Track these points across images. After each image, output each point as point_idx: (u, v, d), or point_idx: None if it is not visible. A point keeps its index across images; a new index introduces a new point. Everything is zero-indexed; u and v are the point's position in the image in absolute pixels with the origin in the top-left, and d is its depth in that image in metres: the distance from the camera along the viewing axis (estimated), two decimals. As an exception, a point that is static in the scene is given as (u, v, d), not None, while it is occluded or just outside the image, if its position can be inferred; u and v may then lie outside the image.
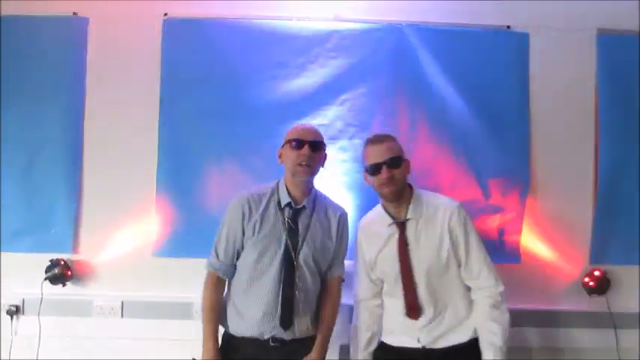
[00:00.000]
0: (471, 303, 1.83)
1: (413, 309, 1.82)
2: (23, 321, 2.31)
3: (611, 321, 2.35)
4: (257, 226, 1.83)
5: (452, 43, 2.42)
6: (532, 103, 2.44)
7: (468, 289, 1.85)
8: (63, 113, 2.37)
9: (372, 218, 1.96)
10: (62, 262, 2.31)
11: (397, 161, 1.81)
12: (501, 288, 1.80)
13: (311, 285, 1.86)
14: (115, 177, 2.38)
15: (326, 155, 1.95)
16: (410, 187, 1.90)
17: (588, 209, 2.42)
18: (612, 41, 2.43)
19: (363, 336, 1.91)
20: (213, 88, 2.37)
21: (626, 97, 2.42)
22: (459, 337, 1.81)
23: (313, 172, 1.87)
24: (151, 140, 2.37)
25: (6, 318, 2.30)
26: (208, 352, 1.80)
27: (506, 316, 1.78)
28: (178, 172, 2.35)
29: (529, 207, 2.40)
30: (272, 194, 1.89)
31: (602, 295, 2.37)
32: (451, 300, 1.83)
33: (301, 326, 1.83)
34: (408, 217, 1.84)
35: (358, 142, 2.35)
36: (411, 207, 1.85)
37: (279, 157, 1.91)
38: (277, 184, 1.91)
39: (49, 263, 2.31)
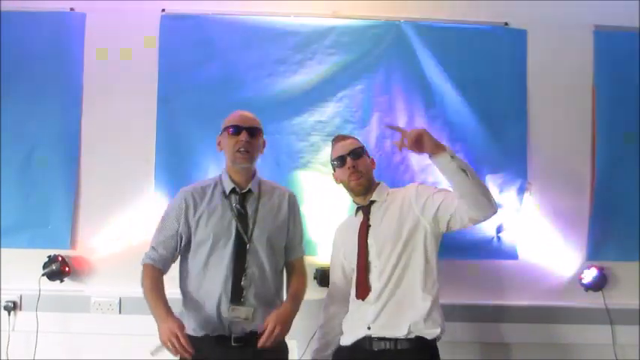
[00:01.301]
0: (428, 302, 1.76)
1: (361, 286, 1.82)
2: (21, 317, 2.31)
3: (608, 317, 2.36)
4: (205, 218, 1.80)
5: (450, 39, 2.42)
6: (530, 100, 2.44)
7: (430, 286, 1.79)
8: (60, 109, 2.36)
9: (347, 219, 2.04)
10: (60, 258, 2.31)
11: (359, 152, 1.92)
12: None
13: (260, 273, 1.80)
14: (113, 173, 2.37)
15: (265, 142, 1.92)
16: (376, 182, 1.97)
17: (585, 206, 2.43)
18: (610, 38, 2.44)
19: (321, 341, 1.97)
20: (211, 85, 2.37)
21: (623, 94, 2.43)
22: (402, 329, 1.75)
23: (252, 158, 1.86)
24: (148, 136, 2.37)
25: (3, 314, 2.29)
26: (165, 319, 1.67)
27: None
28: (176, 168, 2.35)
29: (526, 204, 2.41)
30: (215, 185, 1.87)
31: (598, 291, 2.38)
32: (409, 290, 1.77)
33: (240, 313, 1.75)
34: (372, 198, 1.90)
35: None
36: (375, 192, 1.91)
37: (218, 144, 1.90)
38: (220, 175, 1.90)
39: (47, 259, 2.31)
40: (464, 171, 1.60)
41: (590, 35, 2.46)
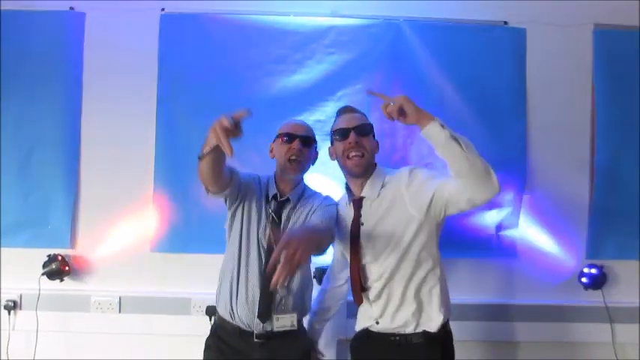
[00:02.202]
0: (429, 295, 1.71)
1: (356, 294, 1.78)
2: (21, 316, 2.31)
3: (608, 316, 2.37)
4: (255, 215, 1.82)
5: (449, 39, 2.42)
6: (529, 99, 2.44)
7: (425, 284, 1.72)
8: (60, 108, 2.37)
9: (342, 197, 1.93)
10: (60, 258, 2.31)
11: (367, 129, 1.77)
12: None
13: (294, 282, 1.81)
14: (113, 172, 2.38)
15: (317, 153, 1.94)
16: (375, 165, 1.83)
17: (585, 204, 2.44)
18: (609, 36, 2.44)
19: (322, 305, 1.97)
20: (210, 84, 2.37)
21: (622, 92, 2.43)
22: (408, 325, 1.70)
23: (302, 168, 1.87)
24: (148, 135, 2.37)
25: (3, 313, 2.30)
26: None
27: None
28: (176, 168, 2.35)
29: (526, 202, 2.41)
30: (265, 186, 1.89)
31: (598, 289, 2.39)
32: (410, 287, 1.71)
33: (284, 322, 1.78)
34: (363, 194, 1.77)
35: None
36: (367, 185, 1.77)
37: (271, 151, 1.92)
38: (268, 178, 1.92)
39: (47, 258, 2.31)
40: (457, 141, 1.47)
41: (589, 34, 2.46)
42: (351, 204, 1.81)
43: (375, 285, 1.75)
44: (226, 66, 2.38)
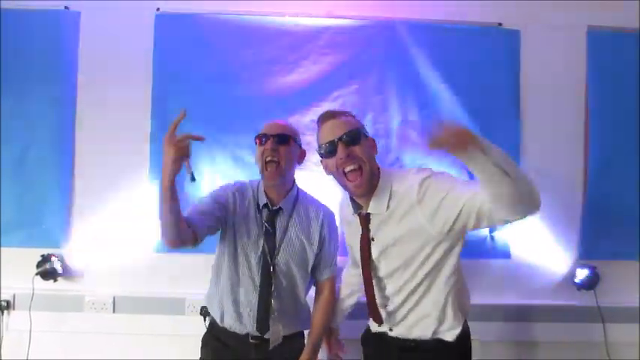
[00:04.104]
0: (444, 305, 1.61)
1: (374, 315, 1.68)
2: (14, 316, 2.31)
3: (600, 316, 2.38)
4: (237, 225, 1.77)
5: (444, 40, 2.43)
6: (523, 100, 2.45)
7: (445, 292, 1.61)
8: (55, 107, 2.35)
9: (343, 201, 1.78)
10: (53, 257, 2.31)
11: (355, 134, 1.51)
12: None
13: (287, 292, 1.80)
14: (107, 172, 2.37)
15: (302, 152, 1.84)
16: (378, 172, 1.60)
17: (578, 205, 2.45)
18: (602, 38, 2.46)
19: (343, 291, 1.91)
20: (205, 84, 2.37)
21: (615, 94, 2.45)
22: (423, 333, 1.63)
23: (282, 171, 1.73)
24: (143, 135, 2.36)
25: (-3, 313, 2.29)
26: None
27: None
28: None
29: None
30: (253, 194, 1.82)
31: (590, 290, 2.40)
32: (426, 299, 1.61)
33: (275, 330, 1.76)
34: (370, 211, 1.59)
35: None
36: (373, 201, 1.57)
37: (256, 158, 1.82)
38: (258, 184, 1.84)
39: (41, 258, 2.31)
40: (501, 168, 1.21)
41: (583, 36, 2.47)
42: (357, 217, 1.64)
43: (393, 299, 1.65)
44: (221, 66, 2.38)
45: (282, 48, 2.40)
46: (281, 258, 1.77)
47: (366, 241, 1.63)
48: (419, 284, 1.60)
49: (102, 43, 2.39)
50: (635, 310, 2.41)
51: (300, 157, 1.84)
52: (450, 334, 1.63)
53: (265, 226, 1.77)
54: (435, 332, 1.63)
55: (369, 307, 1.69)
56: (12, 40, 2.35)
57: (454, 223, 1.44)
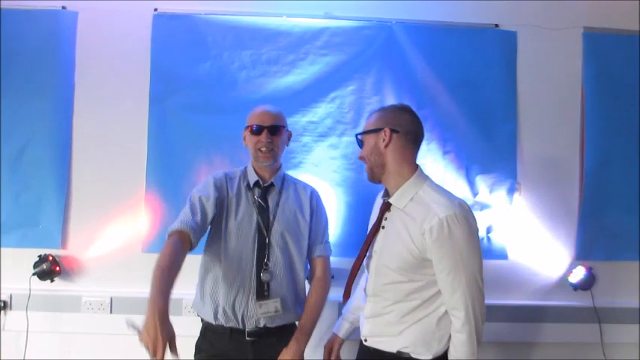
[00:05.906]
0: (420, 323, 1.62)
1: (345, 291, 1.77)
2: (11, 316, 2.30)
3: (596, 316, 2.39)
4: (233, 207, 1.82)
5: (441, 41, 2.43)
6: (520, 101, 2.46)
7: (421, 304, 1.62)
8: (52, 108, 2.35)
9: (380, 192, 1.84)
10: (50, 258, 2.30)
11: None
12: (471, 324, 1.64)
13: (284, 267, 1.81)
14: (104, 172, 2.37)
15: (289, 134, 1.96)
16: (415, 168, 1.66)
17: (574, 206, 2.46)
18: (599, 39, 2.47)
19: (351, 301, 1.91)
20: (203, 85, 2.37)
21: (612, 95, 2.45)
22: (389, 345, 1.64)
23: (275, 155, 1.86)
24: (140, 136, 2.37)
25: (-6, 313, 2.29)
26: (159, 316, 1.49)
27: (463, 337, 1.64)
28: (168, 168, 2.35)
29: (516, 204, 2.43)
30: (241, 177, 1.90)
31: (587, 290, 2.41)
32: (400, 310, 1.62)
33: (267, 307, 1.77)
34: (391, 201, 1.66)
35: (348, 139, 2.38)
36: (397, 193, 1.64)
37: (244, 139, 1.92)
38: (245, 168, 1.93)
39: (37, 259, 2.30)
40: None
41: (579, 37, 2.48)
42: (382, 202, 1.71)
43: (370, 298, 1.68)
44: (219, 66, 2.38)
45: (279, 49, 2.40)
46: (275, 231, 1.82)
47: (377, 226, 1.70)
48: (395, 289, 1.62)
49: (99, 43, 2.39)
50: (631, 310, 2.41)
51: (289, 139, 1.97)
52: (425, 354, 1.61)
53: (258, 201, 1.84)
54: (399, 351, 1.62)
55: (347, 282, 1.76)
56: (9, 40, 2.34)
57: (425, 275, 1.59)
